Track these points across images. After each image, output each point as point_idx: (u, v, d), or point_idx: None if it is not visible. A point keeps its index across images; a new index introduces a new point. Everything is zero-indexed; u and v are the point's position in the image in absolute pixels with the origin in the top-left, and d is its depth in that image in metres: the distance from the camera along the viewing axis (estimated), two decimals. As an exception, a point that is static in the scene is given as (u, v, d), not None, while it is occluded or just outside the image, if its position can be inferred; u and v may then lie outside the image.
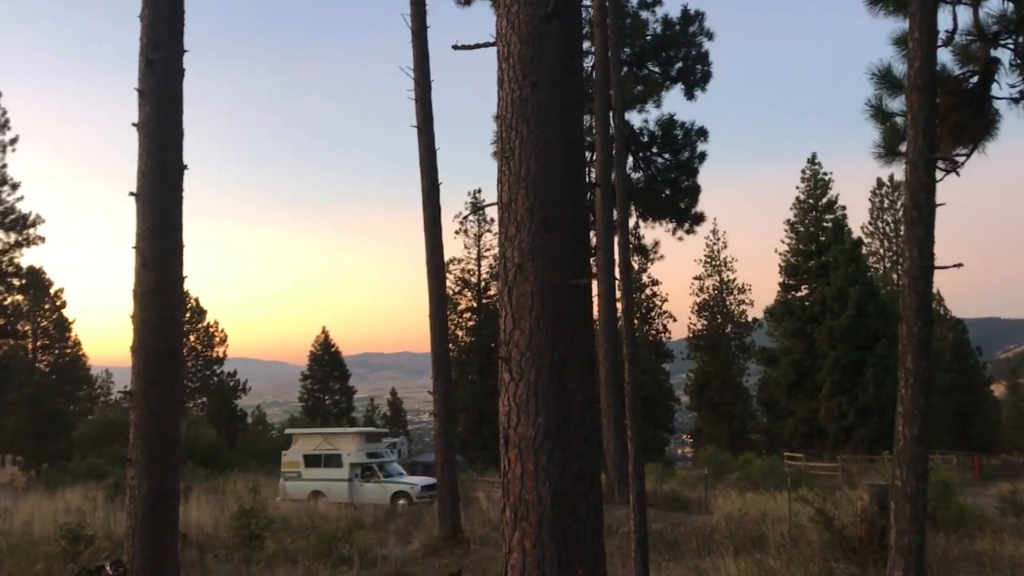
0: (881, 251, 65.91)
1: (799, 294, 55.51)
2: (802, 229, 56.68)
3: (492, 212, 61.46)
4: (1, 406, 51.83)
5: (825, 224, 55.78)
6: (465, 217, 60.73)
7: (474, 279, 61.01)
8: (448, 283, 54.17)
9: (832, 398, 48.13)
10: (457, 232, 61.03)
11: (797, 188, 58.40)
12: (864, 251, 57.49)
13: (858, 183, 68.90)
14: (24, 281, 49.77)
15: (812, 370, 50.86)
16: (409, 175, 18.97)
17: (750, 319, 64.25)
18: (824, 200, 57.06)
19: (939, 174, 8.37)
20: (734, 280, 65.72)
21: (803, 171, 58.22)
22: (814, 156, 58.28)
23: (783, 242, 58.25)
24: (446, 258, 21.87)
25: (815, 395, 50.00)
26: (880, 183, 65.00)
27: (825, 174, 57.54)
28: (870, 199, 65.97)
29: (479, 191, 62.21)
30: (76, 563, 11.90)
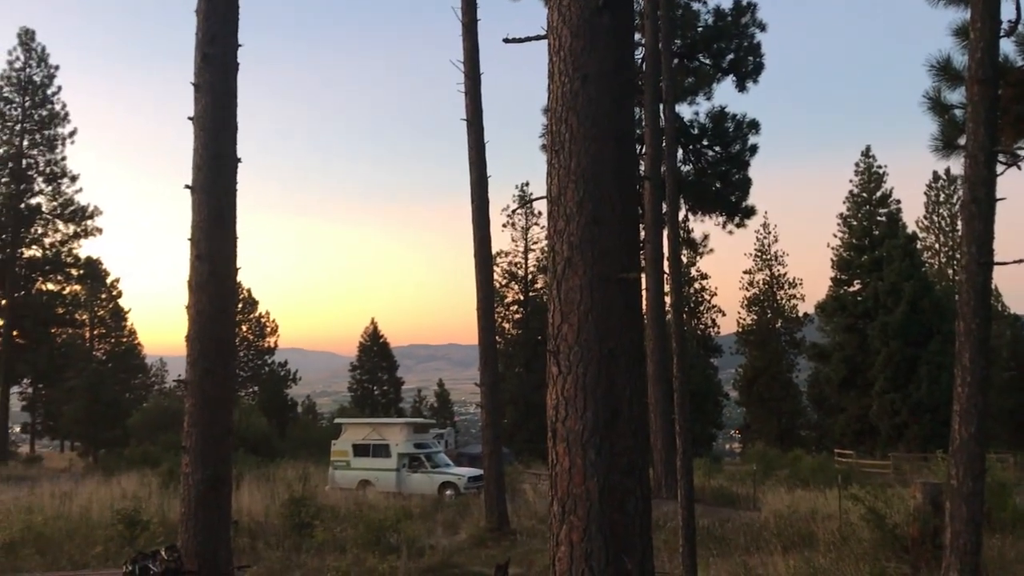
0: (936, 246, 64.56)
1: (851, 289, 54.68)
2: (855, 223, 55.84)
3: (540, 205, 61.53)
4: (60, 393, 53.31)
5: (879, 218, 54.90)
6: (513, 210, 60.85)
7: (521, 272, 61.09)
8: (495, 276, 54.32)
9: (884, 395, 47.33)
10: (505, 225, 61.24)
11: (851, 181, 57.67)
12: (919, 246, 56.29)
13: (914, 176, 67.54)
14: (82, 271, 51.02)
15: (864, 366, 50.06)
16: (458, 168, 19.08)
17: (801, 314, 63.41)
18: (878, 193, 56.14)
19: (999, 168, 8.18)
20: (785, 274, 64.91)
21: (857, 164, 57.42)
22: (868, 149, 57.43)
23: (835, 236, 57.59)
24: (494, 251, 21.88)
25: (867, 392, 49.21)
26: (936, 176, 63.74)
27: (880, 167, 56.68)
28: (926, 193, 64.67)
29: (527, 184, 62.33)
30: (132, 547, 12.18)
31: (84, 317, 56.64)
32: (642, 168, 23.35)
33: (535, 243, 60.65)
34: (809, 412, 60.16)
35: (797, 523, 15.37)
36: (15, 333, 47.10)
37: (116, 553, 12.29)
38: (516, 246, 61.38)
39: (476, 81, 17.94)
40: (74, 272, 50.23)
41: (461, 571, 12.75)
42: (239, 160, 9.97)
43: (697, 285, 61.51)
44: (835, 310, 54.09)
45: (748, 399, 61.49)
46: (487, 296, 18.16)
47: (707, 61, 28.19)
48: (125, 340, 63.05)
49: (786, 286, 64.45)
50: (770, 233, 65.21)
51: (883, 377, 47.50)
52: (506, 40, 7.54)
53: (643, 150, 23.27)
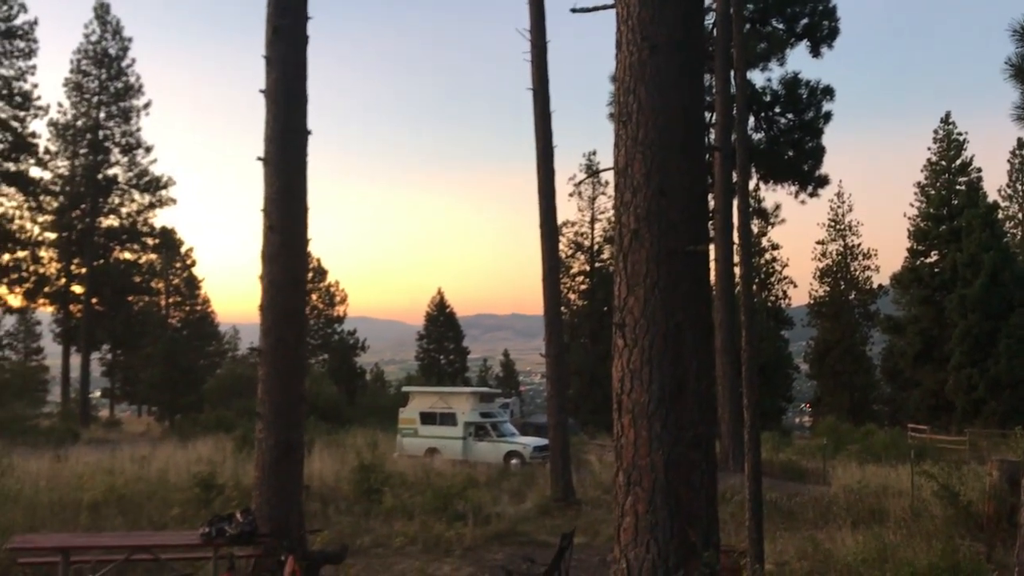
0: (1020, 216, 62.19)
1: (928, 260, 53.27)
2: (933, 192, 54.26)
3: (607, 176, 61.00)
4: (137, 360, 55.09)
5: (958, 187, 53.21)
6: (580, 181, 60.47)
7: (587, 242, 60.80)
8: (561, 246, 54.27)
9: (961, 369, 46.07)
10: (571, 195, 60.92)
11: (929, 149, 55.95)
12: (1000, 216, 54.36)
13: (996, 145, 65.07)
14: (157, 241, 52.43)
15: (940, 340, 48.84)
16: (524, 137, 19.00)
17: (875, 286, 61.92)
18: (958, 162, 54.35)
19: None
20: (859, 245, 63.30)
21: (936, 131, 55.62)
22: (948, 115, 55.62)
23: (912, 206, 56.07)
24: (560, 221, 21.80)
25: (943, 366, 47.99)
26: (1021, 143, 61.18)
27: (960, 134, 54.81)
28: (1009, 161, 62.13)
29: (594, 153, 61.79)
30: (208, 510, 12.56)
31: (160, 285, 58.15)
32: (712, 136, 22.97)
33: (602, 213, 60.29)
34: (882, 386, 58.92)
35: (868, 498, 15.14)
36: (94, 301, 48.71)
37: (193, 515, 12.66)
38: (583, 216, 61.12)
39: (542, 50, 17.82)
40: (150, 241, 51.65)
41: (527, 539, 12.88)
42: (309, 132, 10.11)
43: (768, 256, 60.39)
44: (911, 282, 52.79)
45: (819, 372, 60.44)
46: (553, 267, 18.14)
47: (780, 26, 27.45)
48: (199, 308, 64.72)
49: (860, 257, 62.92)
50: (844, 202, 63.62)
51: (960, 351, 46.22)
52: (573, 10, 7.48)
53: (713, 118, 22.87)
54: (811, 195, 29.15)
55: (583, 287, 60.34)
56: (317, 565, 8.60)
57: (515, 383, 74.56)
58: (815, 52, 27.29)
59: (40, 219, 47.33)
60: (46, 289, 47.48)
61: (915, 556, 8.56)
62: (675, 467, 5.55)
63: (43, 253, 47.43)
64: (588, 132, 52.41)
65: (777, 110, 28.07)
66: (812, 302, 63.15)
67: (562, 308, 21.18)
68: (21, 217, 46.58)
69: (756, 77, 27.60)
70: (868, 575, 8.59)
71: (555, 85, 18.07)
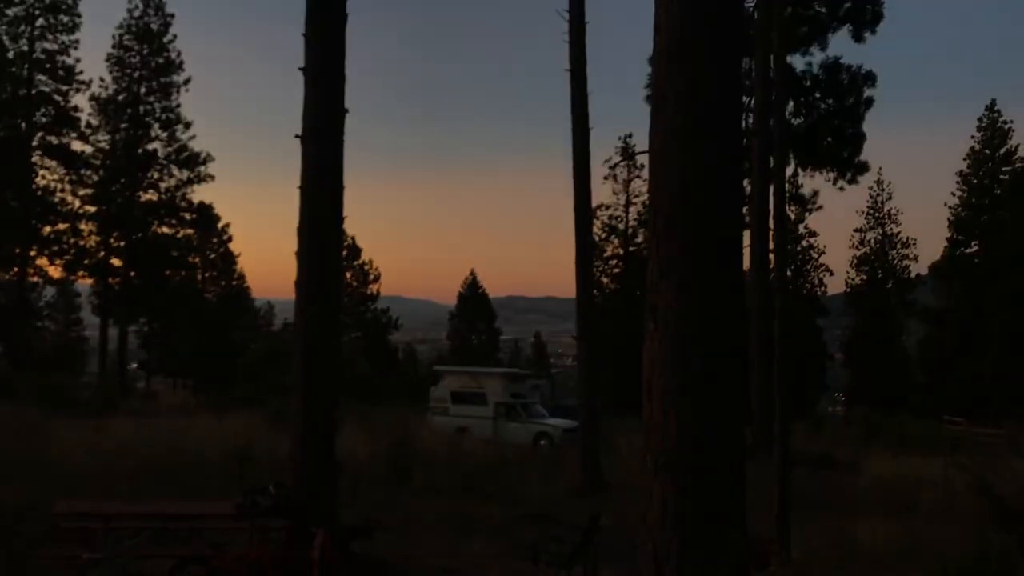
0: (1065, 207, 60.95)
1: (969, 251, 52.42)
2: (976, 181, 53.28)
3: (643, 159, 60.58)
4: (174, 333, 55.88)
5: (1002, 176, 52.18)
6: (616, 163, 60.12)
7: (621, 226, 60.49)
8: (595, 229, 54.07)
9: (1000, 362, 45.43)
10: (606, 177, 60.48)
11: (972, 137, 54.76)
12: (1045, 206, 53.36)
13: (1044, 133, 63.69)
14: (195, 216, 52.97)
15: (979, 331, 48.08)
16: (559, 118, 18.91)
17: (913, 275, 61.03)
18: (1002, 151, 53.23)
19: None
20: (898, 234, 62.30)
21: (980, 119, 54.47)
22: (993, 103, 54.36)
23: (954, 194, 55.00)
24: (594, 203, 21.74)
25: (981, 358, 47.33)
26: (1068, 132, 59.96)
27: (1004, 122, 53.63)
28: (1055, 150, 60.90)
29: (630, 136, 61.26)
30: (243, 482, 12.75)
31: (196, 260, 58.84)
32: (750, 121, 22.74)
33: (636, 197, 59.86)
34: (918, 377, 58.23)
35: (900, 489, 15.02)
36: (133, 274, 49.42)
37: (227, 487, 12.85)
38: (617, 199, 60.75)
39: (580, 30, 17.70)
40: (187, 216, 52.19)
41: (555, 520, 12.95)
42: (347, 110, 10.16)
43: (804, 243, 59.77)
44: (950, 272, 52.02)
45: (854, 361, 59.78)
46: (585, 249, 18.11)
47: (822, 9, 27.04)
48: (235, 283, 65.42)
49: (899, 246, 61.94)
50: (884, 190, 62.62)
51: (999, 343, 45.57)
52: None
53: (752, 103, 22.63)
54: (850, 182, 28.84)
55: (616, 271, 60.12)
56: (348, 539, 8.73)
57: (546, 365, 74.68)
58: (857, 37, 26.89)
59: (81, 192, 47.99)
60: (85, 261, 48.17)
61: (947, 548, 8.50)
62: (704, 453, 5.54)
63: (83, 226, 48.06)
64: (624, 115, 51.94)
65: (817, 95, 27.72)
66: (848, 290, 62.40)
67: (594, 291, 21.17)
68: (62, 190, 47.30)
69: (797, 62, 27.28)
70: (897, 566, 8.54)
71: (593, 65, 17.96)
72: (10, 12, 44.96)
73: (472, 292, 68.75)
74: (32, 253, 46.14)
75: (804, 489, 14.66)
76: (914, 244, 61.88)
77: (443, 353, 63.51)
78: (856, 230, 63.04)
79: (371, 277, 64.62)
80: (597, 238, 58.36)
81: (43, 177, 46.55)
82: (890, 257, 61.90)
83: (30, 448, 15.68)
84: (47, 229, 46.61)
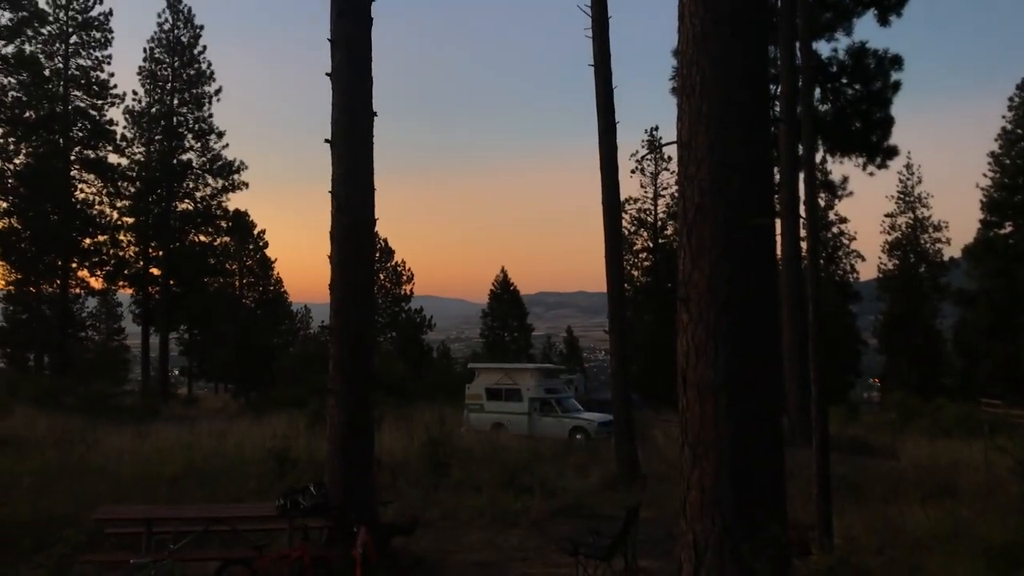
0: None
1: (1002, 232, 51.66)
2: (1008, 161, 52.49)
3: (670, 151, 60.28)
4: (213, 339, 56.57)
5: (1035, 156, 51.29)
6: (643, 156, 59.93)
7: (650, 219, 60.34)
8: (624, 223, 53.94)
9: (1037, 343, 44.72)
10: (633, 171, 60.47)
11: (1003, 117, 54.10)
12: (1080, 185, 52.40)
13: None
14: (230, 223, 53.64)
15: (1014, 312, 47.34)
16: (586, 113, 18.88)
17: (946, 259, 60.25)
18: (1035, 129, 52.38)
19: None
20: (929, 217, 61.55)
21: (1011, 99, 53.73)
22: (1023, 82, 53.48)
23: (986, 176, 54.33)
24: (622, 197, 21.71)
25: (1016, 339, 46.59)
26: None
27: (1036, 101, 52.73)
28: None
29: (656, 129, 61.06)
30: (283, 483, 12.94)
31: (234, 267, 59.51)
32: (777, 108, 22.58)
33: (664, 189, 59.77)
34: (953, 360, 57.44)
35: (938, 473, 14.88)
36: (172, 282, 50.17)
37: (268, 488, 13.04)
38: (645, 192, 60.66)
39: (604, 25, 17.69)
40: (223, 224, 52.88)
41: (592, 513, 13.00)
42: (375, 114, 10.25)
43: (835, 229, 59.18)
44: (984, 253, 51.29)
45: (888, 346, 59.18)
46: (616, 244, 18.09)
47: (847, -7, 26.75)
48: (272, 288, 66.00)
49: (930, 229, 61.23)
50: (914, 174, 61.89)
51: (1036, 324, 44.86)
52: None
53: (778, 90, 22.46)
54: (879, 167, 28.45)
55: (646, 264, 59.95)
56: (388, 536, 8.85)
57: (579, 360, 74.51)
58: (883, 21, 26.55)
59: (118, 204, 48.82)
60: (125, 272, 49.04)
61: (989, 532, 8.43)
62: (741, 441, 5.56)
63: (122, 237, 48.94)
64: (650, 108, 51.76)
65: (844, 81, 27.41)
66: (881, 275, 61.76)
67: (625, 285, 21.15)
68: (101, 202, 48.13)
69: (822, 48, 27.11)
70: (939, 550, 8.49)
71: (617, 59, 17.96)
72: (45, 31, 45.79)
73: (504, 289, 68.79)
74: (73, 265, 46.95)
75: (842, 475, 14.61)
76: (946, 227, 61.23)
77: (477, 351, 63.53)
78: (887, 215, 62.43)
79: (404, 278, 64.90)
80: (627, 232, 58.22)
81: (81, 190, 47.43)
82: (922, 241, 61.17)
83: (74, 455, 16.03)
84: (87, 241, 47.47)
